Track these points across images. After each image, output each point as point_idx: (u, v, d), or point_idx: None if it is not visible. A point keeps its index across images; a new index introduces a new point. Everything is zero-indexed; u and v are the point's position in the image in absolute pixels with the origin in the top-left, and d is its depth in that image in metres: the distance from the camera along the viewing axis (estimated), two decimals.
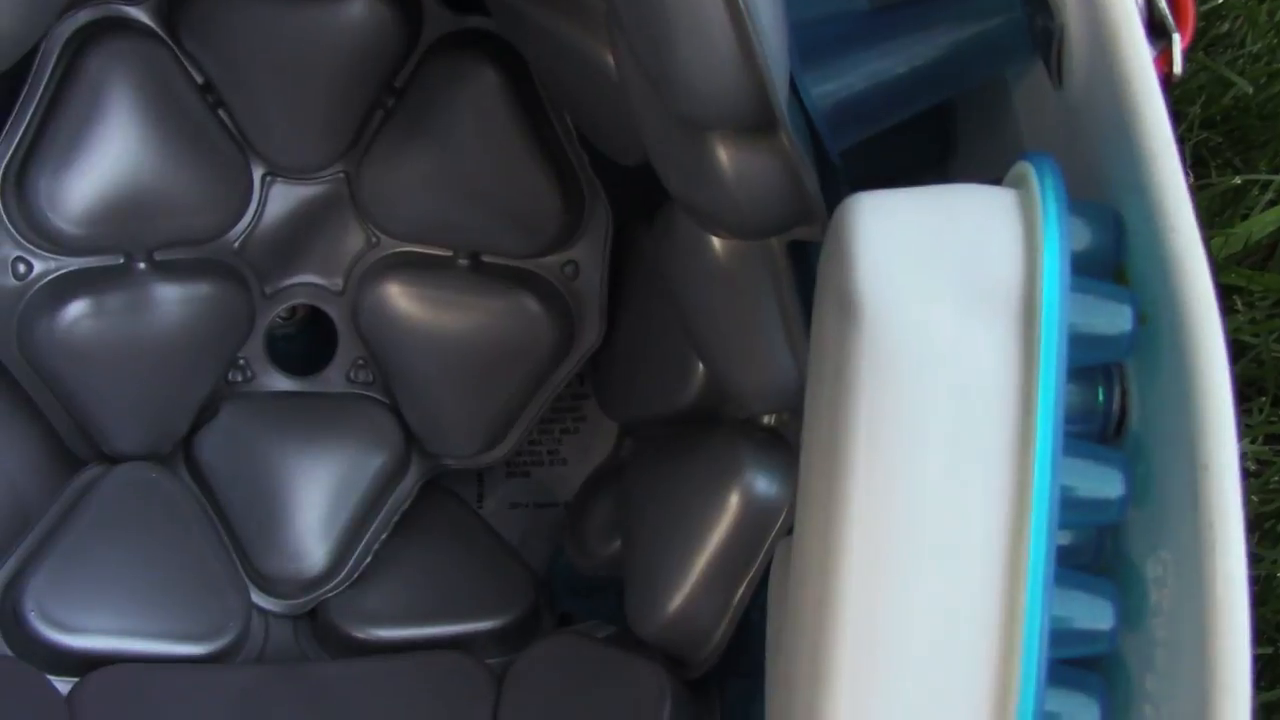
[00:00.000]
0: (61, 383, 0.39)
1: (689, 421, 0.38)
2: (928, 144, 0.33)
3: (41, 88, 0.37)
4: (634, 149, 0.35)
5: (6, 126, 0.37)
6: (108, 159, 0.38)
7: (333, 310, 0.42)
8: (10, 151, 0.37)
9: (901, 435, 0.23)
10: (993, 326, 0.23)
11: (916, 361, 0.23)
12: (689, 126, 0.29)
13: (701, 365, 0.37)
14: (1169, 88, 0.26)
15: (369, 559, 0.40)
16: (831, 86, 0.28)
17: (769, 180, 0.29)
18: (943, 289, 0.23)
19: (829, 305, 0.24)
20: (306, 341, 0.42)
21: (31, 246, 0.38)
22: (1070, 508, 0.23)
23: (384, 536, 0.41)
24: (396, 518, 0.41)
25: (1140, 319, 0.24)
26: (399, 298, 0.41)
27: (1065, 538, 0.24)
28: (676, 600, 0.35)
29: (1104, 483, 0.24)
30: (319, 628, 0.40)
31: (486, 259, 0.41)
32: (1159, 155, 0.24)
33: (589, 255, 0.41)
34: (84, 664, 0.36)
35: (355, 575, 0.40)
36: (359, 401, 0.41)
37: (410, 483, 0.42)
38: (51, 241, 0.38)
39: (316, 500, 0.40)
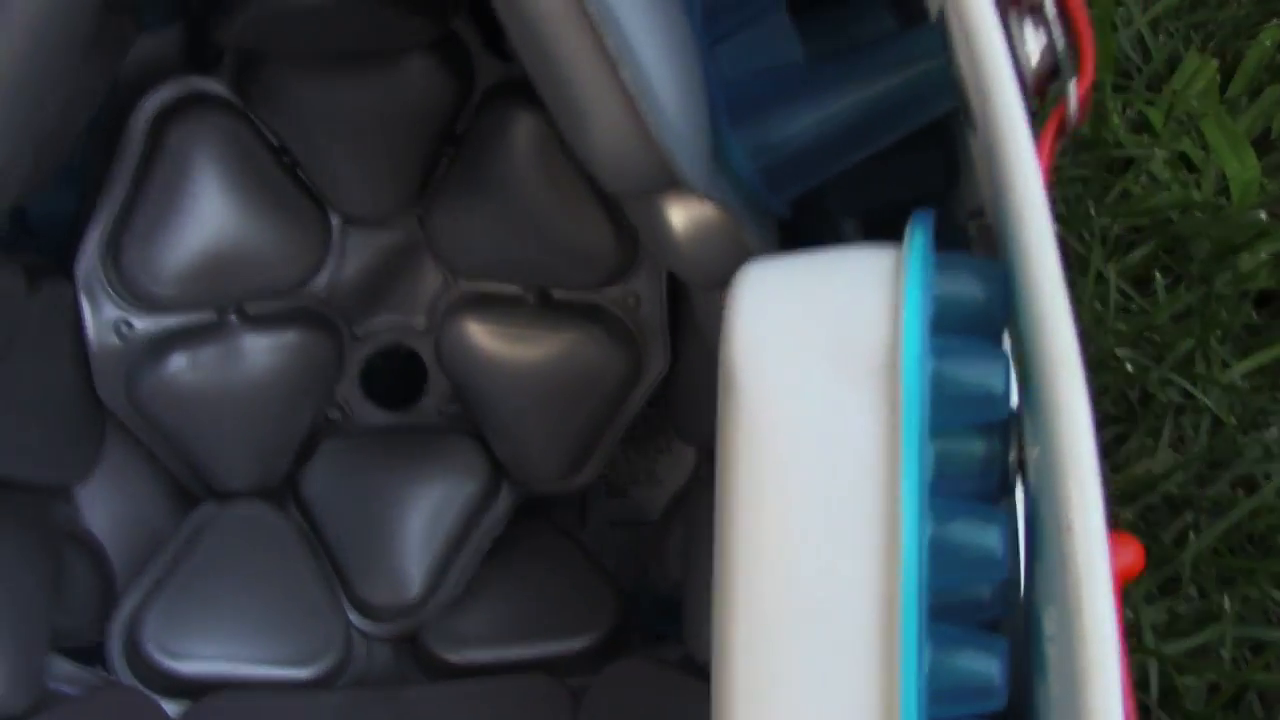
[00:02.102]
0: (169, 430, 0.43)
1: None
2: (932, 172, 0.33)
3: (131, 162, 0.42)
4: None
5: (102, 199, 0.42)
6: (195, 223, 0.42)
7: (420, 347, 0.46)
8: (105, 223, 0.42)
9: (776, 500, 0.24)
10: (862, 390, 0.24)
11: (788, 427, 0.24)
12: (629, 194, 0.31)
13: None
14: (1066, 132, 0.27)
15: (464, 583, 0.44)
16: (769, 140, 0.29)
17: (708, 234, 0.31)
18: (815, 355, 0.24)
19: (720, 398, 0.26)
20: (402, 373, 0.46)
21: (131, 308, 0.43)
22: (950, 565, 0.24)
23: (478, 561, 0.44)
24: (488, 544, 0.45)
25: (1021, 377, 0.24)
26: (476, 334, 0.45)
27: (958, 594, 0.25)
28: None
29: (981, 539, 0.24)
30: (417, 651, 0.44)
31: (554, 294, 0.44)
32: (1028, 210, 0.24)
33: (648, 286, 0.44)
34: (196, 688, 0.40)
35: (451, 599, 0.44)
36: (450, 434, 0.45)
37: (501, 509, 0.45)
38: (148, 303, 0.43)
39: (413, 529, 0.44)
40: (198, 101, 0.42)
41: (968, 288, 0.25)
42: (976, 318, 0.25)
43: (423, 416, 0.46)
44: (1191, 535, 0.53)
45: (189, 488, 0.44)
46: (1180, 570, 0.52)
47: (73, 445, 0.43)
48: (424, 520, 0.44)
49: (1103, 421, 0.56)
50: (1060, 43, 0.27)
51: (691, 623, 0.39)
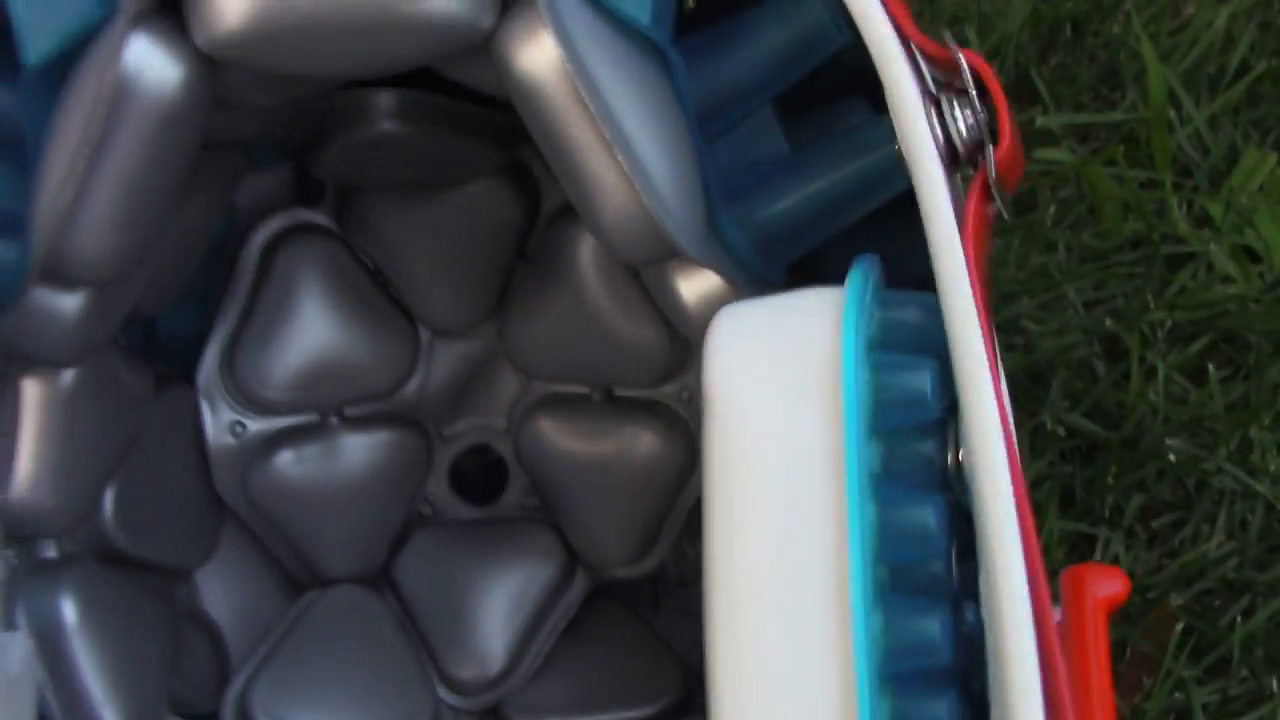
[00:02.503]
0: (278, 521, 0.49)
1: None
2: (898, 236, 0.38)
3: (244, 284, 0.48)
4: None
5: (219, 318, 0.48)
6: (300, 336, 0.48)
7: (501, 447, 0.51)
8: (223, 337, 0.48)
9: (747, 496, 0.30)
10: (813, 400, 0.30)
11: (755, 437, 0.30)
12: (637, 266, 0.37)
13: None
14: (991, 192, 0.32)
15: (541, 660, 0.49)
16: (757, 217, 0.35)
17: (713, 301, 0.36)
18: (775, 374, 0.30)
19: (703, 418, 0.31)
20: (486, 471, 0.51)
21: (245, 411, 0.49)
22: (896, 540, 0.29)
23: (553, 640, 0.49)
24: (564, 623, 0.49)
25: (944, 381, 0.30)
26: (550, 432, 0.50)
27: (913, 569, 0.30)
28: None
29: (919, 517, 0.29)
30: None
31: (617, 392, 0.49)
32: (944, 249, 0.30)
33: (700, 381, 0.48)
34: None
35: (530, 674, 0.48)
36: (529, 525, 0.50)
37: (576, 593, 0.50)
38: (260, 406, 0.48)
39: (496, 611, 0.49)
40: (303, 230, 0.49)
41: (905, 313, 0.31)
42: (917, 340, 0.30)
43: (504, 510, 0.51)
44: (1238, 619, 0.55)
45: (296, 576, 0.50)
46: (1231, 652, 0.54)
47: (193, 533, 0.48)
48: (506, 603, 0.49)
49: (1159, 509, 0.59)
50: (982, 116, 0.32)
51: None
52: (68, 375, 0.40)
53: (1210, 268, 0.63)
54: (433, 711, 0.47)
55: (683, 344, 0.48)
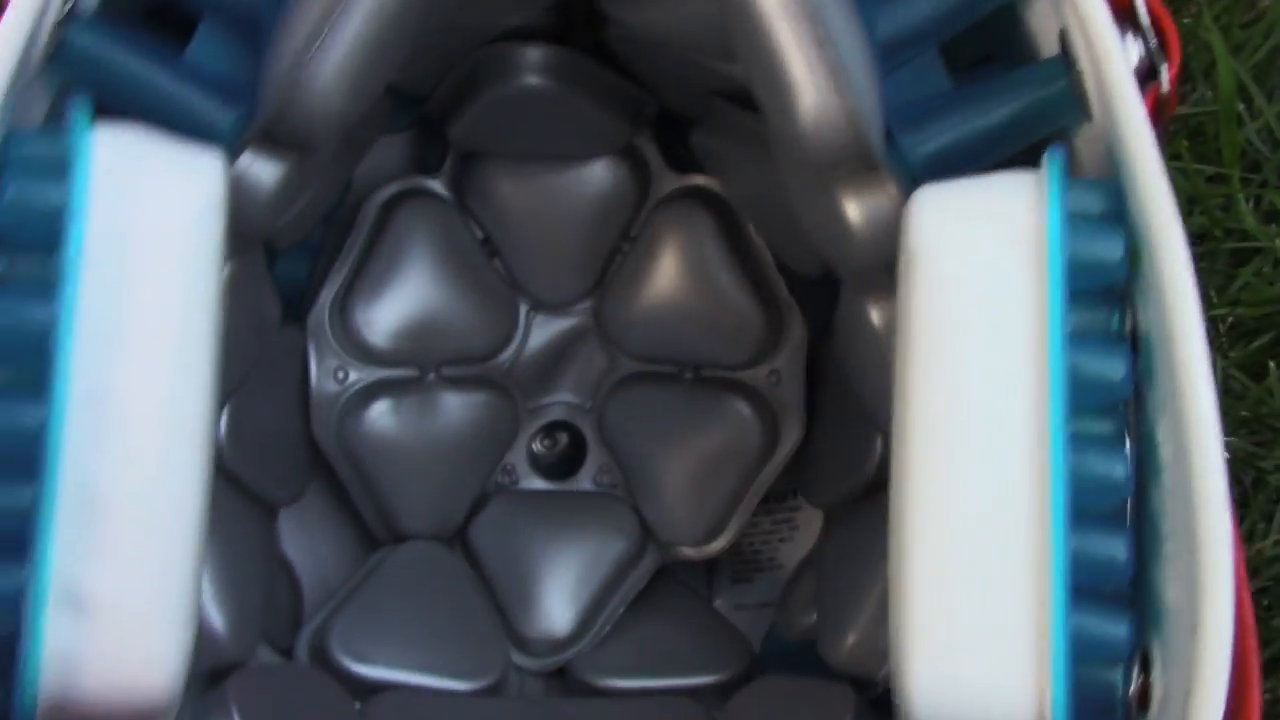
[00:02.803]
0: (367, 469, 0.51)
1: (873, 493, 0.46)
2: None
3: (361, 237, 0.51)
4: (812, 259, 0.46)
5: (335, 267, 0.50)
6: (408, 292, 0.51)
7: (583, 424, 0.53)
8: (338, 286, 0.50)
9: (951, 336, 0.33)
10: (1018, 252, 0.33)
11: (961, 280, 0.33)
12: (815, 174, 0.39)
13: (879, 442, 0.45)
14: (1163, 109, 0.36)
15: (609, 627, 0.51)
16: (926, 145, 0.37)
17: (879, 220, 0.39)
18: (983, 231, 0.33)
19: (900, 282, 0.34)
20: (562, 455, 0.53)
21: (349, 358, 0.51)
22: (1085, 385, 0.32)
23: (622, 609, 0.51)
24: (633, 595, 0.51)
25: (1132, 250, 0.33)
26: (636, 408, 0.52)
27: (1091, 414, 0.32)
28: (854, 631, 0.43)
29: (1108, 365, 0.32)
30: (566, 682, 0.50)
31: (705, 372, 0.51)
32: (1136, 142, 0.33)
33: (789, 364, 0.51)
34: (372, 690, 0.47)
35: (597, 639, 0.50)
36: (604, 499, 0.52)
37: (646, 567, 0.51)
38: (365, 354, 0.51)
39: (567, 577, 0.51)
40: (420, 194, 0.51)
41: (1093, 193, 0.33)
42: (1102, 214, 0.33)
43: (579, 486, 0.53)
44: None
45: (373, 531, 0.52)
46: None
47: (288, 471, 0.50)
48: (577, 572, 0.51)
49: None
50: (1153, 42, 0.36)
51: (826, 632, 0.45)
52: (225, 271, 0.41)
53: (1276, 264, 0.64)
54: (503, 666, 0.49)
55: (776, 328, 0.50)
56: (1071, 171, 0.36)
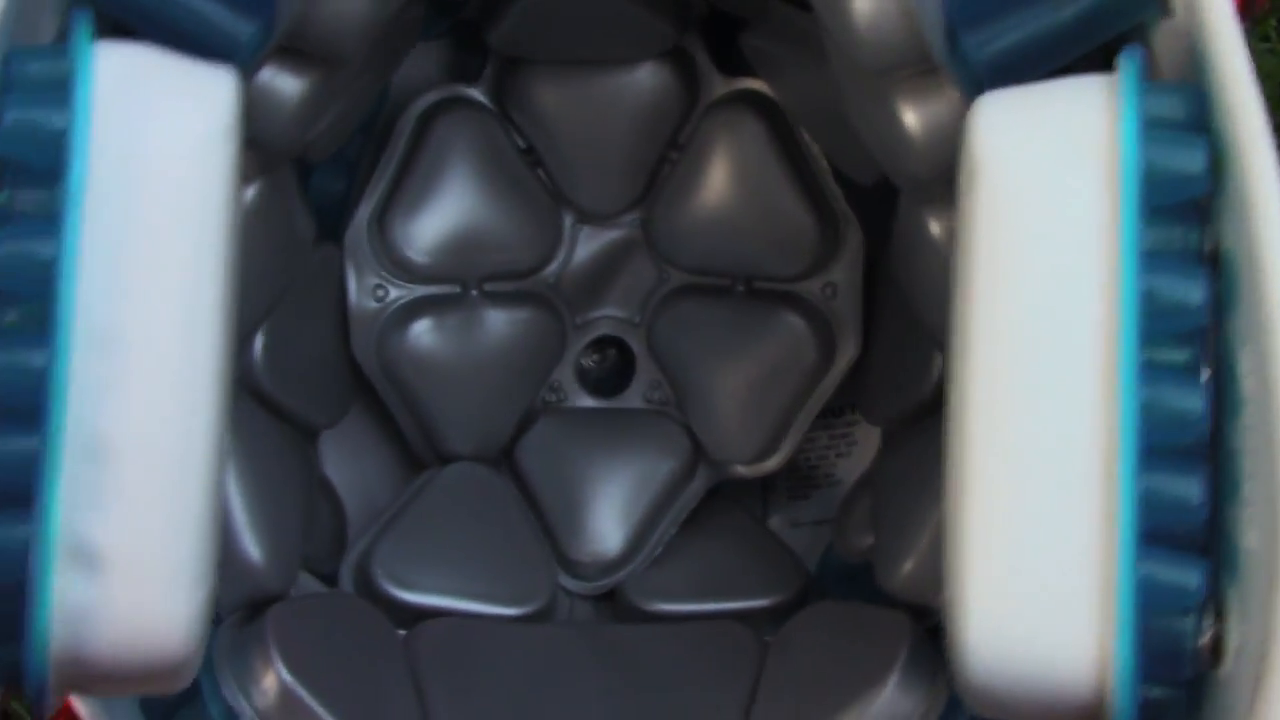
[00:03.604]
0: (410, 389, 0.49)
1: (932, 413, 0.43)
2: None
3: (399, 150, 0.49)
4: (869, 166, 0.43)
5: (373, 181, 0.49)
6: (449, 205, 0.49)
7: (632, 339, 0.51)
8: (375, 201, 0.49)
9: (1015, 258, 0.30)
10: (1088, 167, 0.30)
11: (1027, 197, 0.30)
12: (872, 78, 0.37)
13: (938, 360, 0.44)
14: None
15: (660, 549, 0.49)
16: (992, 45, 0.34)
17: (938, 126, 0.36)
18: (1050, 144, 0.31)
19: (961, 192, 0.32)
20: (611, 369, 0.52)
21: (389, 275, 0.49)
22: (1159, 311, 0.30)
23: (673, 531, 0.50)
24: (684, 515, 0.50)
25: (1215, 162, 0.30)
26: (688, 320, 0.50)
27: (1166, 342, 0.30)
28: (912, 558, 0.42)
29: (1186, 289, 0.30)
30: (616, 606, 0.49)
31: (758, 284, 0.49)
32: (1224, 36, 0.30)
33: (845, 277, 0.49)
34: (417, 616, 0.46)
35: (648, 561, 0.49)
36: (654, 417, 0.50)
37: (698, 486, 0.50)
38: (405, 271, 0.49)
39: (616, 497, 0.49)
40: (459, 103, 0.49)
41: (1173, 98, 0.31)
42: (1182, 122, 0.31)
43: (629, 403, 0.51)
44: None
45: (417, 452, 0.50)
46: None
47: (329, 393, 0.49)
48: (627, 491, 0.49)
49: None
50: None
51: (883, 559, 0.43)
52: (251, 190, 0.40)
53: None
54: (551, 591, 0.48)
55: (832, 238, 0.48)
56: (1150, 74, 0.33)
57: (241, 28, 0.34)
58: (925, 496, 0.41)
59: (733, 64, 0.48)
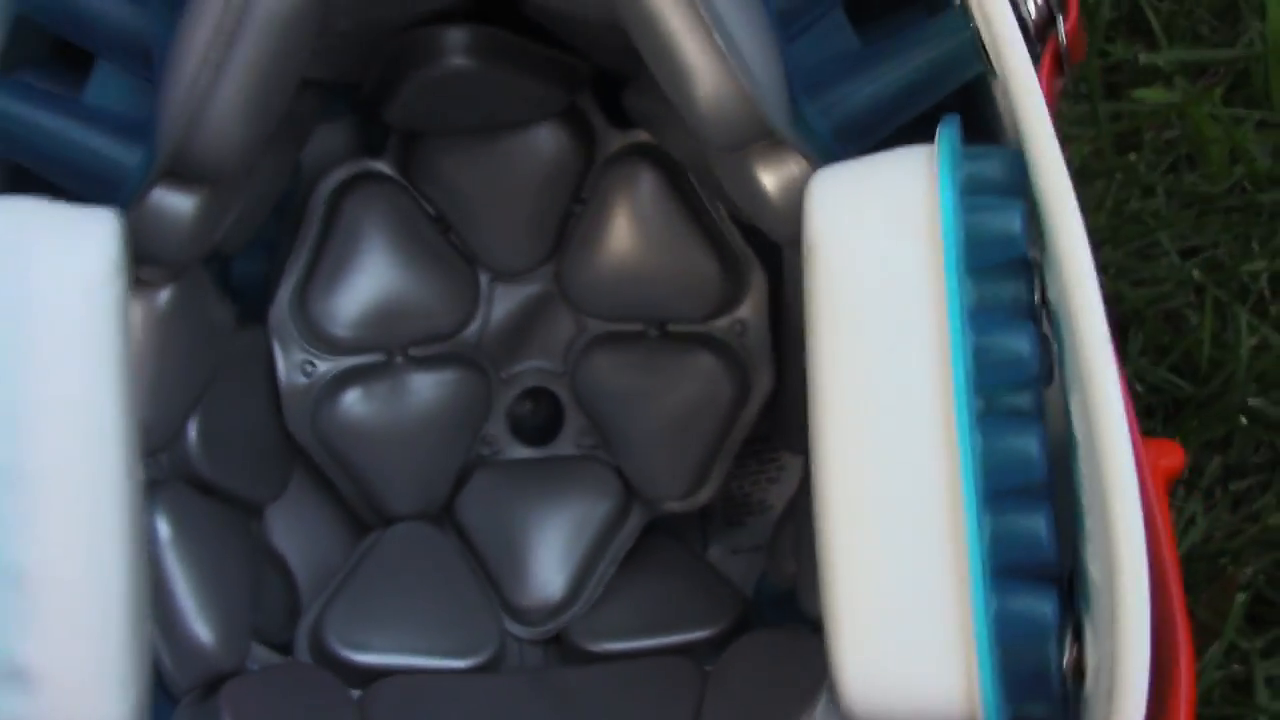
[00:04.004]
0: (347, 458, 0.51)
1: None
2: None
3: (313, 228, 0.51)
4: None
5: (290, 260, 0.51)
6: (366, 278, 0.51)
7: (557, 388, 0.53)
8: (295, 280, 0.51)
9: (851, 330, 0.33)
10: (913, 241, 0.32)
11: (857, 272, 0.33)
12: (724, 152, 0.39)
13: None
14: (1062, 66, 0.36)
15: (601, 589, 0.51)
16: (834, 111, 0.37)
17: (794, 188, 0.38)
18: (874, 219, 0.33)
19: (804, 268, 0.34)
20: (542, 417, 0.54)
21: (315, 350, 0.51)
22: (992, 366, 0.32)
23: (613, 570, 0.52)
24: (622, 555, 0.52)
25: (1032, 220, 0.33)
26: (606, 368, 0.52)
27: (1003, 399, 0.33)
28: None
29: (1014, 343, 0.32)
30: (563, 649, 0.51)
31: (671, 328, 0.52)
32: (1028, 105, 0.33)
33: (753, 314, 0.51)
34: (371, 677, 0.48)
35: (590, 602, 0.51)
36: (586, 462, 0.53)
37: (633, 525, 0.52)
38: (330, 345, 0.51)
39: (555, 543, 0.51)
40: (368, 178, 0.51)
41: (990, 163, 0.33)
42: (1000, 185, 0.33)
43: (560, 450, 0.53)
44: None
45: (361, 515, 0.52)
46: None
47: (267, 469, 0.51)
48: (565, 536, 0.51)
49: (1243, 470, 0.59)
50: None
51: (806, 586, 0.45)
52: (164, 295, 0.42)
53: None
54: (499, 640, 0.50)
55: (736, 279, 0.50)
56: (990, 127, 0.35)
57: (129, 155, 0.36)
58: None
59: (626, 118, 0.50)
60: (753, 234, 0.50)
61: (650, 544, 0.52)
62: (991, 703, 0.31)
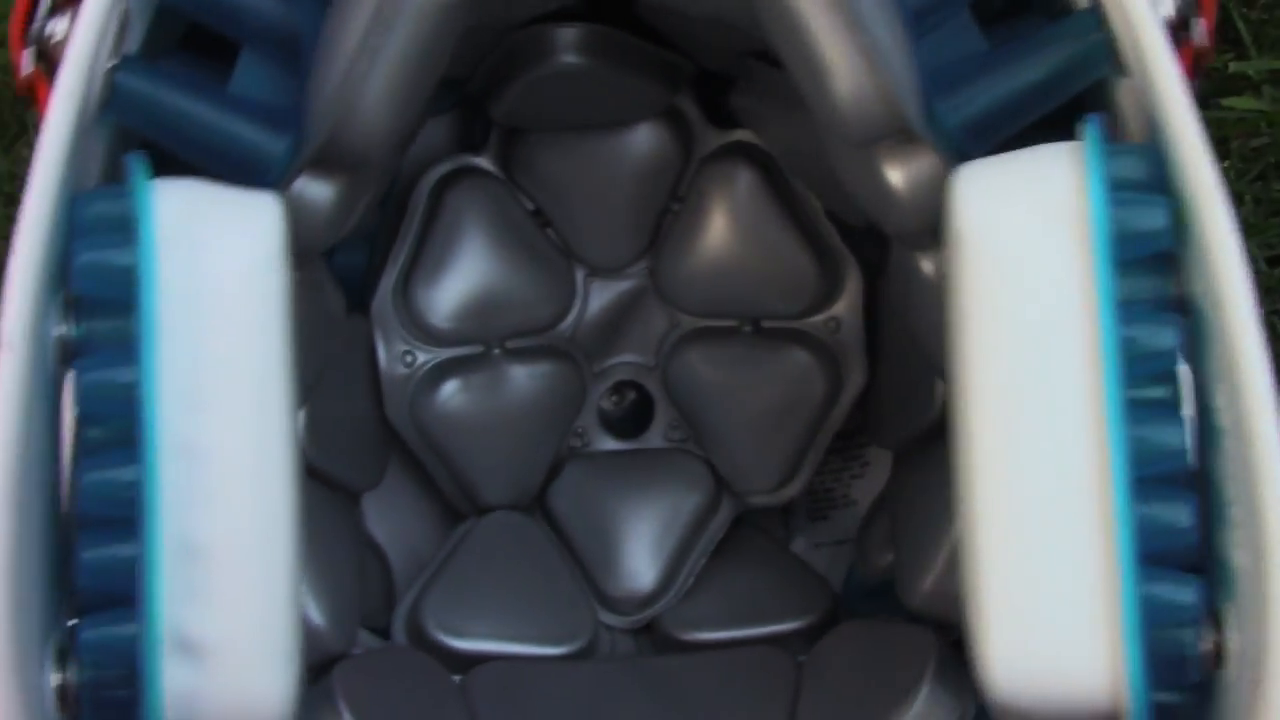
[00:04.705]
0: (444, 447, 0.52)
1: (939, 435, 0.46)
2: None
3: (416, 222, 0.52)
4: (859, 212, 0.46)
5: (393, 253, 0.52)
6: (467, 271, 0.52)
7: (649, 383, 0.54)
8: (397, 272, 0.52)
9: (1002, 319, 0.34)
10: (1061, 231, 0.33)
11: (1007, 263, 0.34)
12: (857, 149, 0.40)
13: (939, 386, 0.46)
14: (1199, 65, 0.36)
15: (692, 580, 0.52)
16: (964, 109, 0.38)
17: (921, 184, 0.39)
18: (1025, 211, 0.34)
19: (948, 259, 0.35)
20: (631, 411, 0.55)
21: (415, 341, 0.52)
22: (1138, 356, 0.33)
23: (703, 561, 0.53)
24: (712, 547, 0.53)
25: (1177, 215, 0.33)
26: (700, 363, 0.53)
27: (1147, 383, 0.33)
28: (930, 576, 0.44)
29: (1159, 337, 0.33)
30: (655, 638, 0.52)
31: (765, 324, 0.53)
32: (1174, 103, 0.34)
33: (847, 311, 0.52)
34: (469, 663, 0.49)
35: (682, 593, 0.52)
36: (676, 454, 0.54)
37: (723, 517, 0.53)
38: (430, 336, 0.52)
39: (647, 534, 0.53)
40: (469, 172, 0.52)
41: (1131, 159, 0.34)
42: (1142, 181, 0.34)
43: (650, 444, 0.54)
44: None
45: (455, 504, 0.53)
46: None
47: (367, 457, 0.52)
48: (656, 528, 0.52)
49: None
50: None
51: (903, 577, 0.46)
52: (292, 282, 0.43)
53: None
54: (593, 628, 0.51)
55: (832, 277, 0.51)
56: (1115, 127, 0.36)
57: (275, 144, 0.37)
58: (939, 517, 0.44)
59: (725, 117, 0.51)
60: (848, 233, 0.51)
61: (738, 537, 0.53)
62: (1139, 690, 0.32)
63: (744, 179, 0.51)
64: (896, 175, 0.40)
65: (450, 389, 0.52)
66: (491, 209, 0.52)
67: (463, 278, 0.52)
